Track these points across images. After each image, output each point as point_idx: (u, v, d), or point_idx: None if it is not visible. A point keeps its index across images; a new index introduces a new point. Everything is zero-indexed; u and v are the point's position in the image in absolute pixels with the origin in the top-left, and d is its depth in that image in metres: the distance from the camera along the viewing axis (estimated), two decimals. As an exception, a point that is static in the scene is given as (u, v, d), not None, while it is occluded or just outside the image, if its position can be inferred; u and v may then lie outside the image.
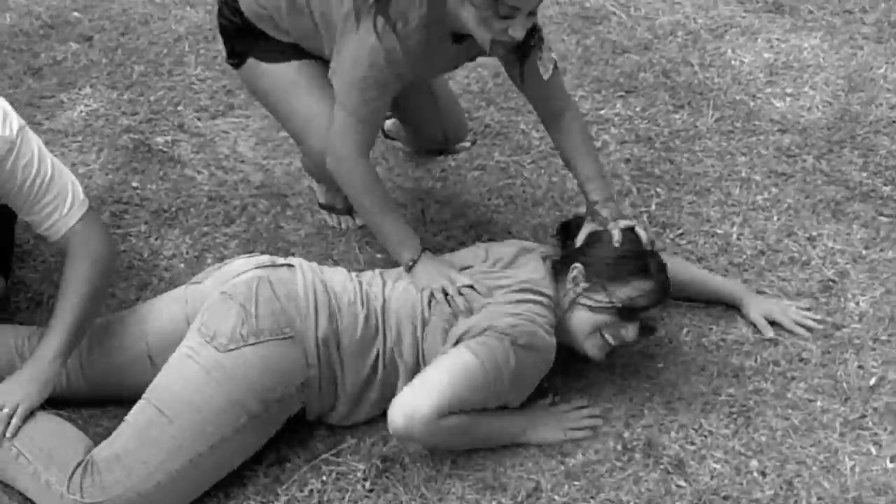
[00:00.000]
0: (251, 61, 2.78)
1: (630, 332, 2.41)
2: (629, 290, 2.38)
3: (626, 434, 2.47)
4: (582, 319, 2.41)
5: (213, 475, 2.28)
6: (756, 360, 2.66)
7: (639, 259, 2.42)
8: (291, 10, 2.62)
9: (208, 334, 2.27)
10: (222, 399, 2.24)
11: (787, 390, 2.57)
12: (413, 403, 2.24)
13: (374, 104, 2.48)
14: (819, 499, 2.31)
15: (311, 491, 2.35)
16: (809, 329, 2.70)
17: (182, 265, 2.97)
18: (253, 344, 2.26)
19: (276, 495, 2.34)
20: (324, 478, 2.38)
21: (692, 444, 2.45)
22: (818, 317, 2.75)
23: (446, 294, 2.39)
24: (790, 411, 2.52)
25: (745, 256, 2.97)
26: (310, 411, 2.40)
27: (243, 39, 2.76)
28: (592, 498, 2.34)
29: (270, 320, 2.29)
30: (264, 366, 2.27)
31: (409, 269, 2.49)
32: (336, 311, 2.36)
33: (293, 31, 2.68)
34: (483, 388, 2.30)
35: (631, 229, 2.48)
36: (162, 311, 2.48)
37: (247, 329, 2.27)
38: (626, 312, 2.38)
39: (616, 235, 2.44)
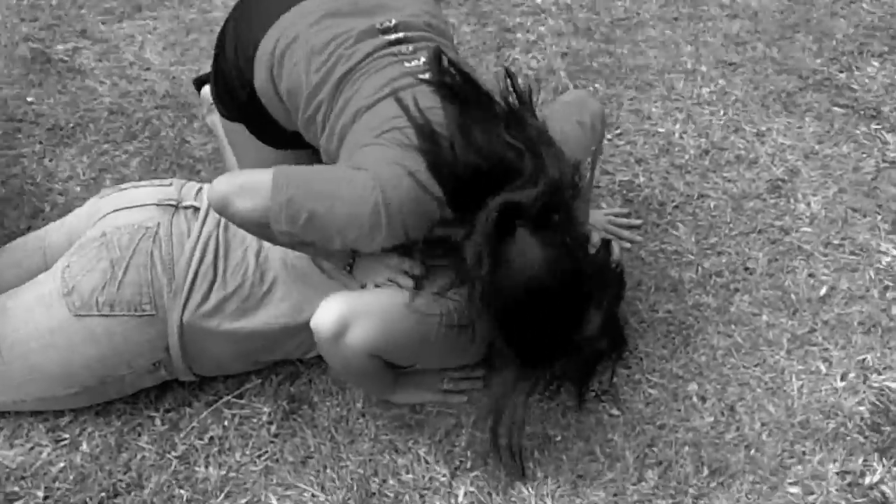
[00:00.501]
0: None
1: None
2: None
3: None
4: None
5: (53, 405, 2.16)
6: (697, 272, 2.45)
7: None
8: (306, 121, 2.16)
9: (68, 285, 2.04)
10: (57, 368, 2.07)
11: (729, 304, 2.37)
12: (357, 324, 1.94)
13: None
14: (763, 424, 2.13)
15: (212, 438, 2.16)
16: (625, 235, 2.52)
17: (78, 188, 2.72)
18: (104, 315, 2.03)
19: (174, 444, 2.14)
20: (225, 422, 2.18)
21: (626, 368, 2.25)
22: (625, 212, 2.57)
23: None
24: (733, 327, 2.32)
25: (687, 157, 2.74)
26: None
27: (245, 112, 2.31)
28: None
29: (133, 290, 2.05)
30: (109, 343, 2.05)
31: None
32: (220, 279, 2.10)
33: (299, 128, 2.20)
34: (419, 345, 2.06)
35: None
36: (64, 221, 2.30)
37: (105, 296, 2.03)
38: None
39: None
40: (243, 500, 2.05)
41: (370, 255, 2.05)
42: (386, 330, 1.96)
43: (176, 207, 2.16)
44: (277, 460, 2.11)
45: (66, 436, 2.16)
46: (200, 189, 2.20)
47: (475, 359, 2.17)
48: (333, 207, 1.83)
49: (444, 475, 2.07)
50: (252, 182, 1.88)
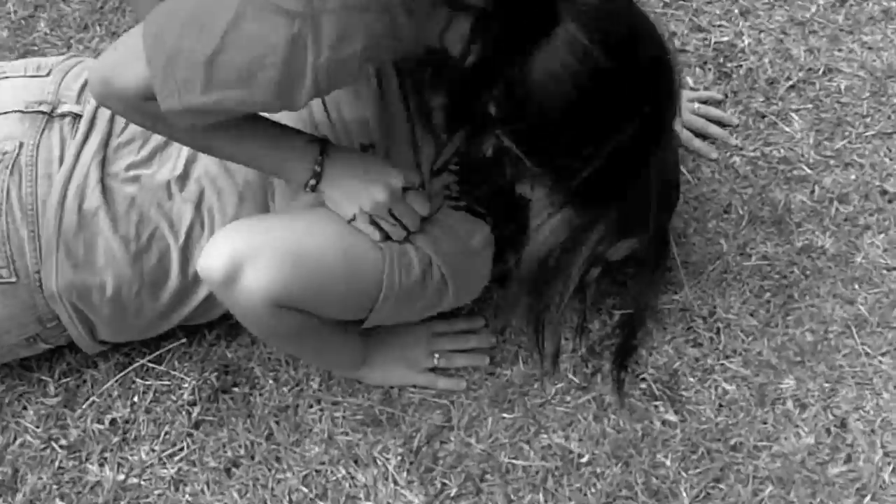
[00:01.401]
0: None
1: None
2: None
3: (594, 327, 1.61)
4: None
5: None
6: (812, 194, 1.72)
7: None
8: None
9: None
10: None
11: (854, 251, 1.66)
12: (251, 264, 1.35)
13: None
14: (888, 454, 1.46)
15: (115, 422, 1.58)
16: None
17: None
18: None
19: (65, 427, 1.58)
20: (135, 398, 1.60)
21: (695, 343, 1.57)
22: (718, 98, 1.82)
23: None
24: (857, 288, 1.62)
25: (815, 8, 1.95)
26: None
27: None
28: (527, 443, 1.51)
29: None
30: None
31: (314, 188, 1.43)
32: (111, 225, 1.46)
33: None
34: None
35: None
36: None
37: None
38: None
39: None
40: (141, 524, 1.49)
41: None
42: (294, 269, 1.36)
43: (49, 115, 1.49)
44: (194, 463, 1.53)
45: (-72, 402, 1.61)
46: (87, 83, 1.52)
47: (461, 300, 1.52)
48: (230, 42, 1.16)
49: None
50: (125, 47, 1.24)
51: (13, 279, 1.43)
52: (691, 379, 1.55)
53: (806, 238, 1.66)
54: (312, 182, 1.37)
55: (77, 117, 1.49)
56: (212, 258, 1.35)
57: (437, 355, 1.57)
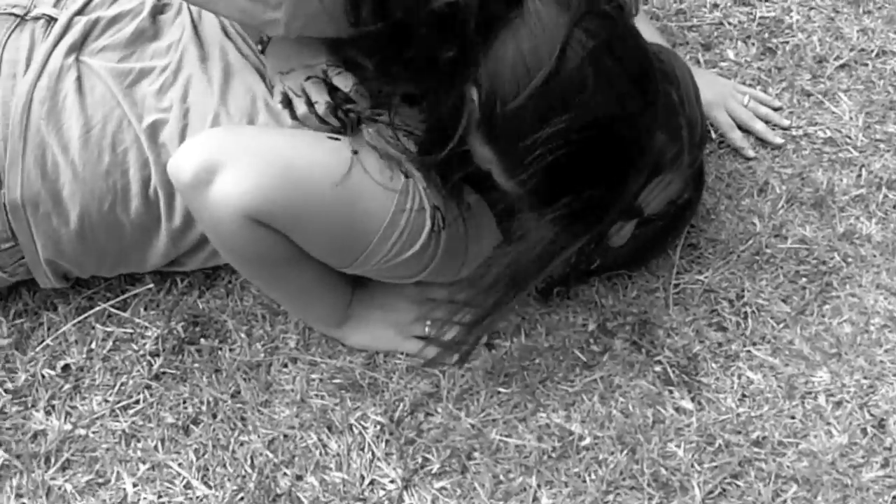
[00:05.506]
0: None
1: None
2: None
3: (607, 302, 1.44)
4: None
5: None
6: (858, 177, 1.56)
7: None
8: None
9: None
10: None
11: (904, 238, 1.48)
12: (229, 166, 1.21)
13: None
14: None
15: (67, 368, 1.43)
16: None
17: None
18: None
19: (13, 371, 1.43)
20: (93, 345, 1.45)
21: (719, 327, 1.41)
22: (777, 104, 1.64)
23: None
24: (904, 279, 1.44)
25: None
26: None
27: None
28: (522, 421, 1.34)
29: None
30: None
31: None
32: (81, 129, 1.32)
33: None
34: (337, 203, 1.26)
35: None
36: None
37: None
38: None
39: None
40: (83, 479, 1.32)
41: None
42: (277, 180, 1.21)
43: (21, 18, 1.36)
44: (150, 418, 1.37)
45: None
46: None
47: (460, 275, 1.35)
48: None
49: (393, 479, 1.30)
50: None
51: (-44, 186, 1.28)
52: (712, 365, 1.37)
53: (849, 223, 1.50)
54: (260, 47, 1.34)
55: (51, 21, 1.35)
56: (185, 153, 1.21)
57: (429, 322, 1.40)
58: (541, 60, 1.09)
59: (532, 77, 1.09)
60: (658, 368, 1.37)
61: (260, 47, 1.35)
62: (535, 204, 1.18)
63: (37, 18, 1.36)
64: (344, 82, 1.28)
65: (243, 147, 1.23)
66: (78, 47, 1.34)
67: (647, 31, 1.52)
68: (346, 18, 1.19)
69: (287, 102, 1.30)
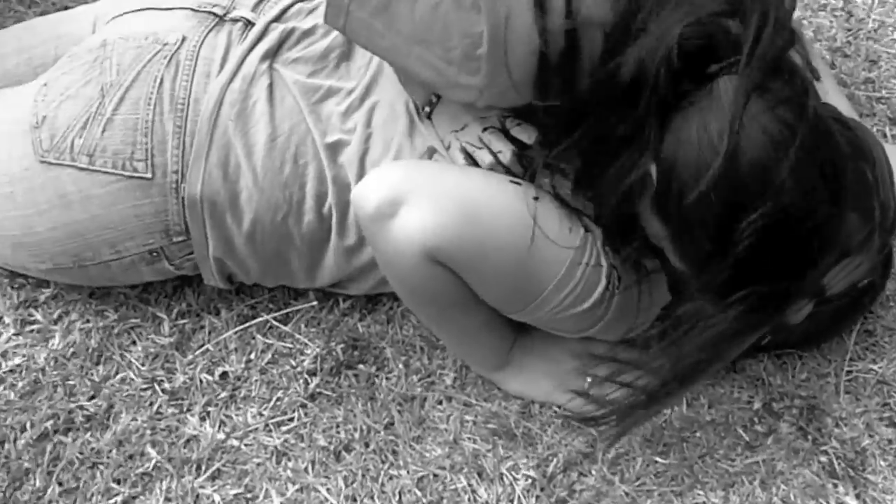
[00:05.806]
0: None
1: None
2: None
3: (775, 381, 1.40)
4: None
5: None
6: None
7: None
8: None
9: (39, 113, 1.32)
10: (17, 230, 1.38)
11: None
12: (414, 203, 1.20)
13: None
14: None
15: (226, 375, 1.44)
16: None
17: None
18: (80, 168, 1.32)
19: (171, 371, 1.44)
20: (252, 355, 1.45)
21: (891, 423, 1.35)
22: None
23: None
24: None
25: None
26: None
27: None
28: (679, 496, 1.31)
29: (124, 137, 1.30)
30: (84, 210, 1.33)
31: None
32: (267, 137, 1.33)
33: None
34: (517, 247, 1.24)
35: None
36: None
37: (84, 138, 1.31)
38: None
39: None
40: (232, 491, 1.33)
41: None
42: (460, 220, 1.19)
43: (220, 18, 1.37)
44: (303, 438, 1.37)
45: (39, 318, 1.49)
46: None
47: (629, 330, 1.32)
48: None
49: (539, 538, 1.28)
50: None
51: (149, 175, 1.30)
52: (881, 462, 1.32)
53: None
54: (428, 109, 1.32)
55: (249, 24, 1.36)
56: (371, 184, 1.20)
57: (589, 379, 1.38)
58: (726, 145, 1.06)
59: (714, 162, 1.06)
60: (824, 459, 1.32)
61: (427, 110, 1.32)
62: (709, 292, 1.14)
63: (235, 21, 1.38)
64: (524, 134, 1.27)
65: (430, 183, 1.22)
66: (272, 55, 1.35)
67: (838, 101, 1.47)
68: (533, 94, 1.17)
69: (468, 156, 1.29)
